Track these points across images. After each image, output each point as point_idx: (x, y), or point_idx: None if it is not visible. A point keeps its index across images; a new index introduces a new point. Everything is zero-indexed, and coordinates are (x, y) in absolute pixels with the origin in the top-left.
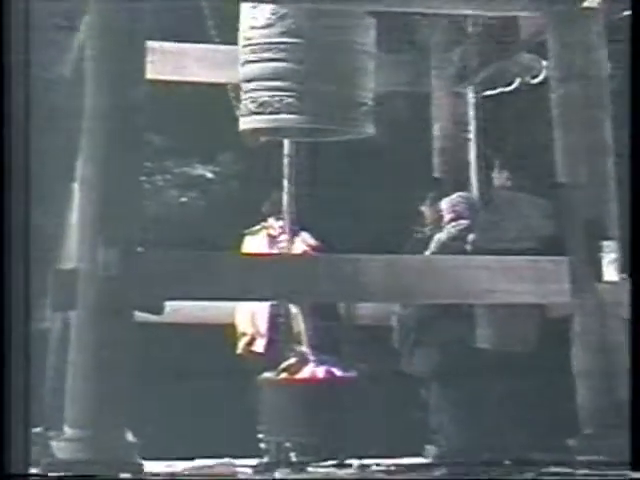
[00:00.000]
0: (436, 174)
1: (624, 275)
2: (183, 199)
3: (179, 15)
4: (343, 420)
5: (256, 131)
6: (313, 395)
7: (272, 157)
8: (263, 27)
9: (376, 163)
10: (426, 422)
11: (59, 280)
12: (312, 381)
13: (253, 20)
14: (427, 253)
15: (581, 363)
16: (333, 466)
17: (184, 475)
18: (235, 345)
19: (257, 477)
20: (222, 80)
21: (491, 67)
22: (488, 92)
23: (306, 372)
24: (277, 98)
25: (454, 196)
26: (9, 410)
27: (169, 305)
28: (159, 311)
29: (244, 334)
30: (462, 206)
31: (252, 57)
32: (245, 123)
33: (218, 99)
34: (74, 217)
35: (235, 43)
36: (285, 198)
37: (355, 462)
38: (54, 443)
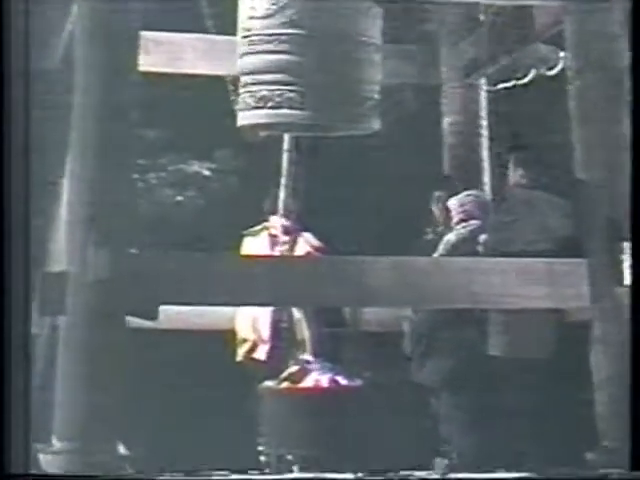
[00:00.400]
0: (446, 171)
1: None
2: (179, 198)
3: (174, 3)
4: (348, 431)
5: (255, 126)
6: (316, 405)
7: (272, 153)
8: (263, 17)
9: (382, 159)
10: (436, 433)
11: (47, 283)
12: (316, 390)
13: (252, 10)
14: (435, 256)
15: (601, 371)
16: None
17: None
18: (235, 352)
19: None
20: (220, 72)
21: (505, 58)
22: (501, 84)
23: (309, 381)
24: (278, 92)
25: (463, 195)
26: (9, 410)
27: (164, 310)
28: (154, 316)
29: (245, 340)
30: (472, 205)
31: (251, 49)
32: (244, 118)
33: (215, 92)
34: (62, 216)
35: (233, 33)
36: (287, 197)
37: (360, 475)
38: (41, 456)
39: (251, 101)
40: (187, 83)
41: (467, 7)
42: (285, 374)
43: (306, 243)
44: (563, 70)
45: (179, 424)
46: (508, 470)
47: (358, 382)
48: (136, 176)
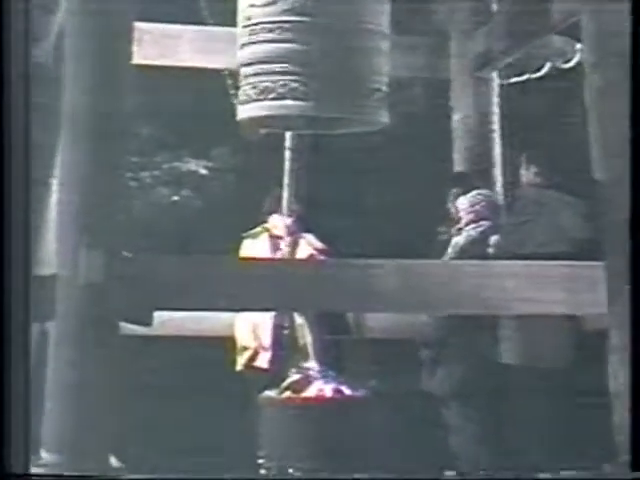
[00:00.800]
0: (456, 169)
1: None
2: (174, 198)
3: None
4: (352, 443)
5: (257, 119)
6: (320, 416)
7: (273, 150)
8: (264, 5)
9: (389, 157)
10: (446, 445)
11: (36, 287)
12: (319, 400)
13: None
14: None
15: (619, 381)
16: None
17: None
18: (234, 360)
19: None
20: (217, 65)
21: (518, 51)
22: (514, 78)
23: (312, 390)
24: (281, 82)
25: (473, 194)
26: (9, 410)
27: (159, 316)
28: (148, 322)
29: (245, 349)
30: (483, 205)
31: (252, 39)
32: (244, 111)
33: (213, 86)
34: (53, 216)
35: (232, 24)
36: (288, 196)
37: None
38: (31, 469)
39: (252, 93)
40: (183, 77)
41: None
42: (287, 383)
43: (308, 245)
44: (579, 63)
45: (175, 436)
46: None
47: (363, 392)
48: (129, 175)
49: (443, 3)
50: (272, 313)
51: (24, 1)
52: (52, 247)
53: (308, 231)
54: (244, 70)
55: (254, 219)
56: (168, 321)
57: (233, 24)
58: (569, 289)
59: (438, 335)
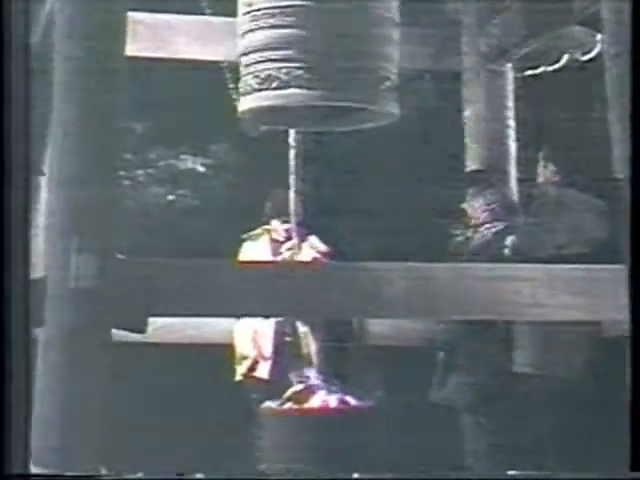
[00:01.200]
0: (469, 167)
1: None
2: (170, 197)
3: None
4: (358, 457)
5: (259, 110)
6: (324, 427)
7: (275, 147)
8: None
9: (398, 154)
10: (457, 458)
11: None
12: (323, 411)
13: None
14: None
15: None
16: None
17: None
18: (233, 370)
19: None
20: (215, 57)
21: (534, 41)
22: (529, 71)
23: (316, 401)
24: (285, 70)
25: (487, 193)
26: (9, 410)
27: (154, 322)
28: (142, 329)
29: (245, 358)
30: (497, 205)
31: (254, 25)
32: (246, 102)
33: (211, 79)
34: (41, 217)
35: (231, 14)
36: (290, 196)
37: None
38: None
39: (254, 82)
40: (179, 69)
41: None
42: (289, 393)
43: (311, 248)
44: (599, 55)
45: (170, 449)
46: None
47: (370, 402)
48: (122, 173)
49: None
50: (273, 320)
51: (24, 1)
52: (41, 249)
53: (311, 233)
54: (245, 59)
55: (255, 220)
56: (162, 328)
57: (232, 14)
58: (589, 293)
59: (449, 342)
